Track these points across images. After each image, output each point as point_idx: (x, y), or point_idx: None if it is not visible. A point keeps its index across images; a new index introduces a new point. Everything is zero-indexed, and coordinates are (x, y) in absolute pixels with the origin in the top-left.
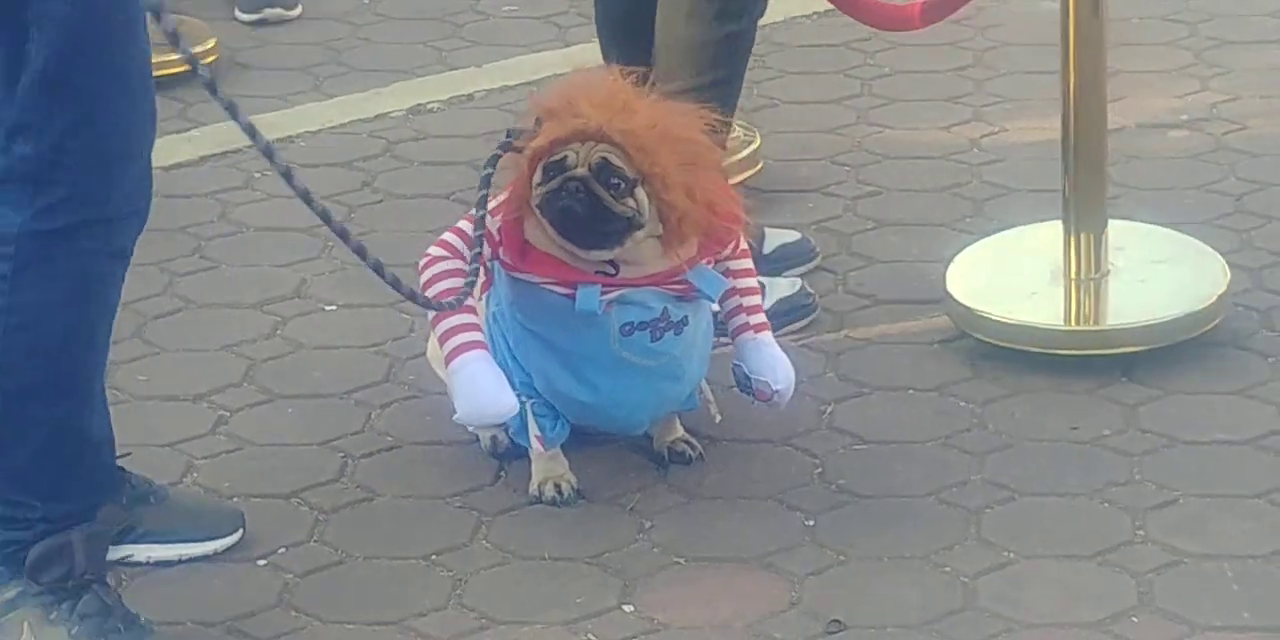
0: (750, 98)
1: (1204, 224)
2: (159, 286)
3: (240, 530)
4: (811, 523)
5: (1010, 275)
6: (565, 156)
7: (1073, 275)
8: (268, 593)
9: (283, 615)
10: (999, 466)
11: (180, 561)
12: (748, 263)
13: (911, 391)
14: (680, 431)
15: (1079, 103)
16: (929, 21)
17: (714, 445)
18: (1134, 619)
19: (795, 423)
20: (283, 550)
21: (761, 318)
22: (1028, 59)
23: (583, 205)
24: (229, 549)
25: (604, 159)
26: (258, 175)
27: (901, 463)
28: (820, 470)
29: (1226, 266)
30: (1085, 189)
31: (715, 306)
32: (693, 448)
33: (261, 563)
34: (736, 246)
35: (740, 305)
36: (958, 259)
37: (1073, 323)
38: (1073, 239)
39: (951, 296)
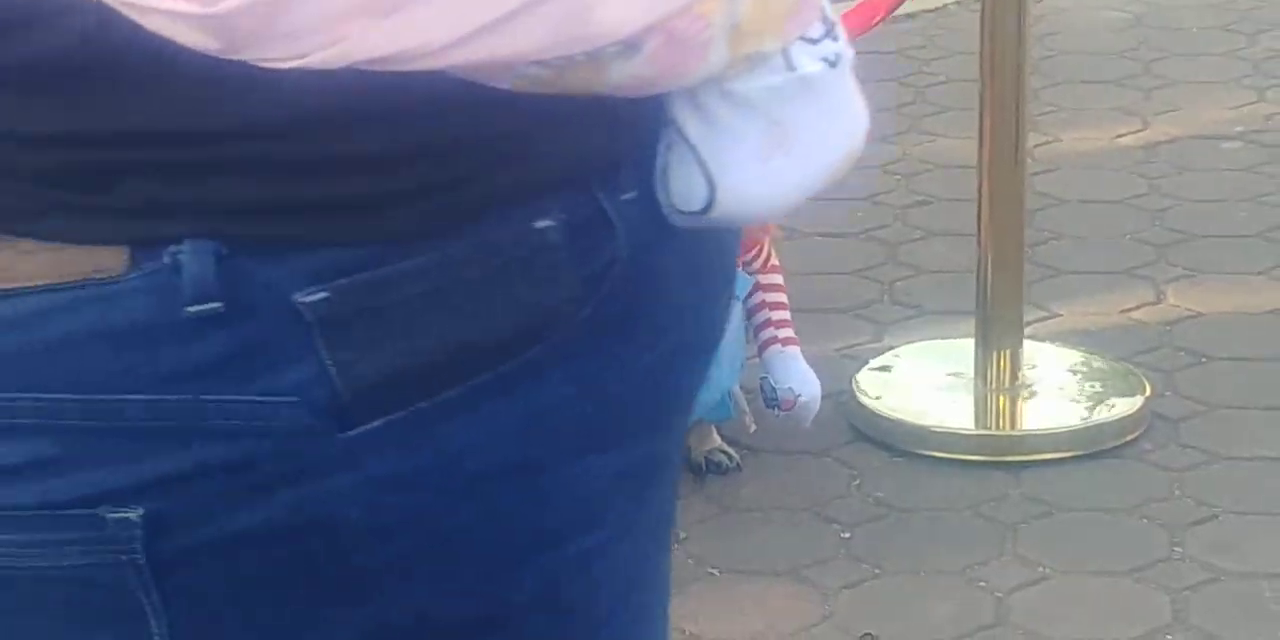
0: None
1: (1258, 237)
2: None
3: None
4: (847, 535)
5: None
6: None
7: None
8: None
9: None
10: (1037, 481)
11: None
12: (778, 278)
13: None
14: (717, 441)
15: (995, 225)
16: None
17: (752, 456)
18: (1169, 637)
19: (834, 434)
20: None
21: (790, 332)
22: (1087, 69)
23: None
24: None
25: None
26: None
27: (939, 476)
28: (858, 482)
29: None
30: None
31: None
32: (730, 458)
33: None
34: (767, 261)
35: (769, 319)
36: None
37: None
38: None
39: None
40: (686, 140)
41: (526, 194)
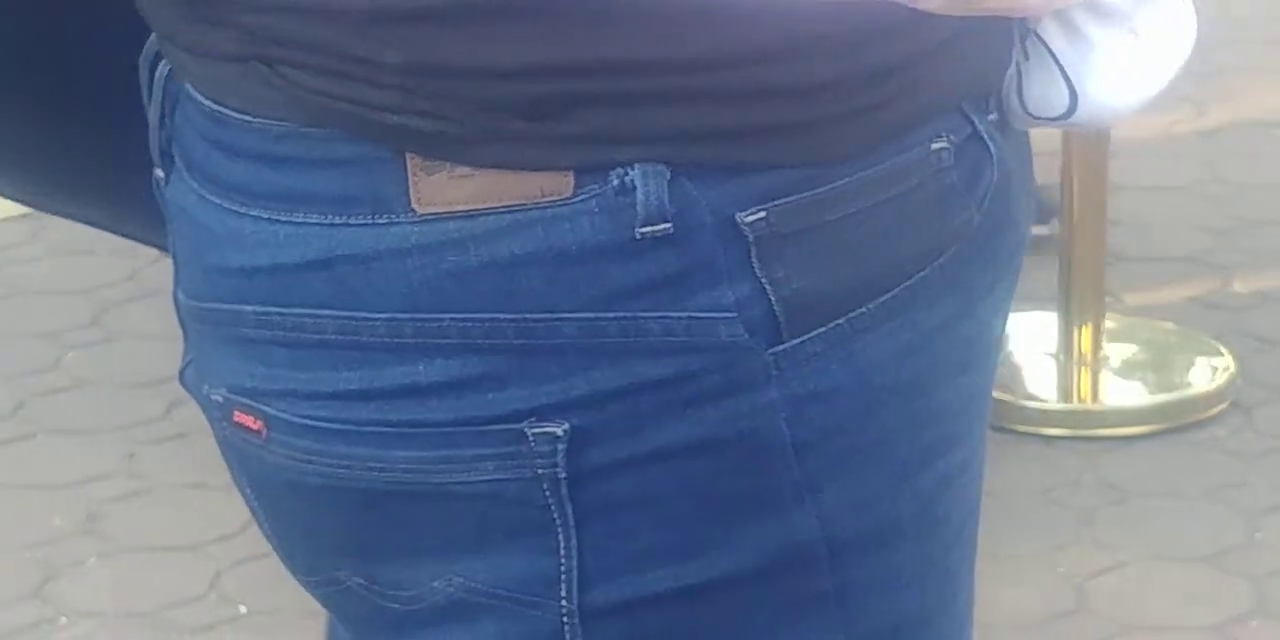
0: None
1: None
2: None
3: None
4: None
5: None
6: None
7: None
8: None
9: None
10: (1110, 466)
11: None
12: None
13: None
14: None
15: (1080, 199)
16: None
17: None
18: (1250, 623)
19: None
20: None
21: None
22: None
23: None
24: None
25: None
26: None
27: (1016, 457)
28: None
29: None
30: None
31: None
32: None
33: None
34: None
35: None
36: None
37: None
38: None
39: None
40: (1050, 51)
41: (926, 117)
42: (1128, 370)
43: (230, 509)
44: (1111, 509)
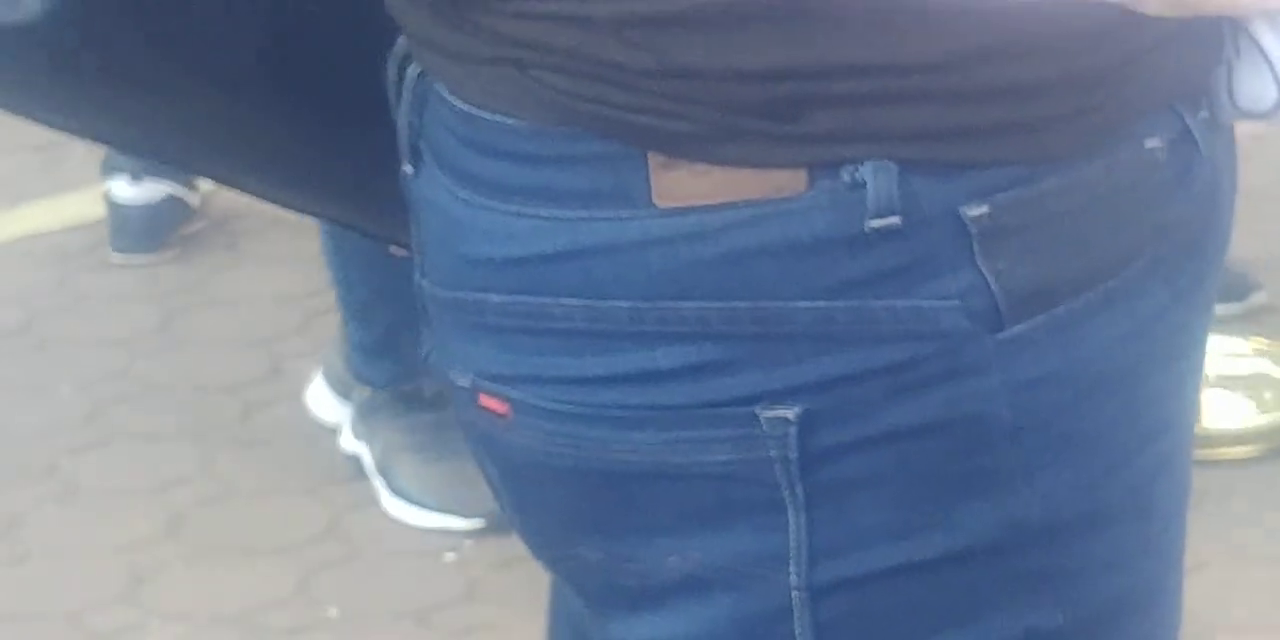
0: None
1: None
2: None
3: None
4: None
5: None
6: None
7: None
8: None
9: None
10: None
11: None
12: None
13: None
14: None
15: None
16: None
17: None
18: None
19: None
20: None
21: None
22: None
23: None
24: None
25: None
26: None
27: None
28: None
29: None
30: None
31: None
32: None
33: None
34: None
35: None
36: None
37: None
38: None
39: None
40: (1260, 48)
41: (1140, 116)
42: (1227, 388)
43: (312, 512)
44: (1193, 511)
